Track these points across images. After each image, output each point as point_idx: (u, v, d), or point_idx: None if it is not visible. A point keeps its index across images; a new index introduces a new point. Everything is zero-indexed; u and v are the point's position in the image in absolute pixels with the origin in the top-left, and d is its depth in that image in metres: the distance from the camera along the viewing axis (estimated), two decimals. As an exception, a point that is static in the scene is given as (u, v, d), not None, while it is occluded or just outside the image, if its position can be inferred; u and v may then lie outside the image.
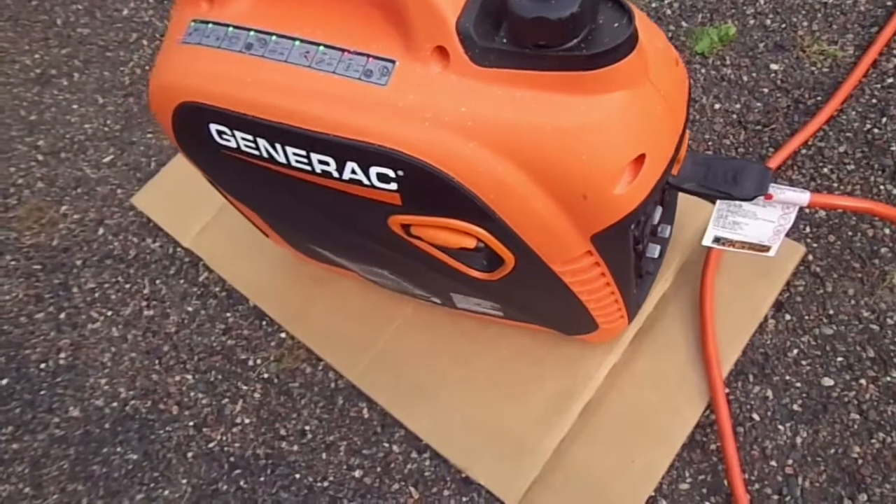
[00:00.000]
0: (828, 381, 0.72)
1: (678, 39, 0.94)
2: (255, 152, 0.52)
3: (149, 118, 1.07)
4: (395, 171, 0.48)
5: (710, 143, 0.87)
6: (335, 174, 0.50)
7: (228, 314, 0.89)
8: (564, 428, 0.72)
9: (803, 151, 0.83)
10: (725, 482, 0.69)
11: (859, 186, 0.80)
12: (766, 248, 0.65)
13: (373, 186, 0.50)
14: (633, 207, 0.49)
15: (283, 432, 0.80)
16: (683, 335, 0.74)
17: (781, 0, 0.94)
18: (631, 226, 0.52)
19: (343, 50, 0.48)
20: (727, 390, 0.72)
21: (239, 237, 0.90)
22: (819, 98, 0.86)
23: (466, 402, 0.76)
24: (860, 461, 0.68)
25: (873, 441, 0.68)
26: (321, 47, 0.48)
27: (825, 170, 0.82)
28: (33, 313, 0.95)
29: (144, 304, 0.92)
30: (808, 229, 0.79)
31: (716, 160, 0.58)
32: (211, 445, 0.81)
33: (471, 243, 0.53)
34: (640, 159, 0.47)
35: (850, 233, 0.78)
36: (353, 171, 0.49)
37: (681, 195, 0.75)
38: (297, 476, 0.78)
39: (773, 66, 0.90)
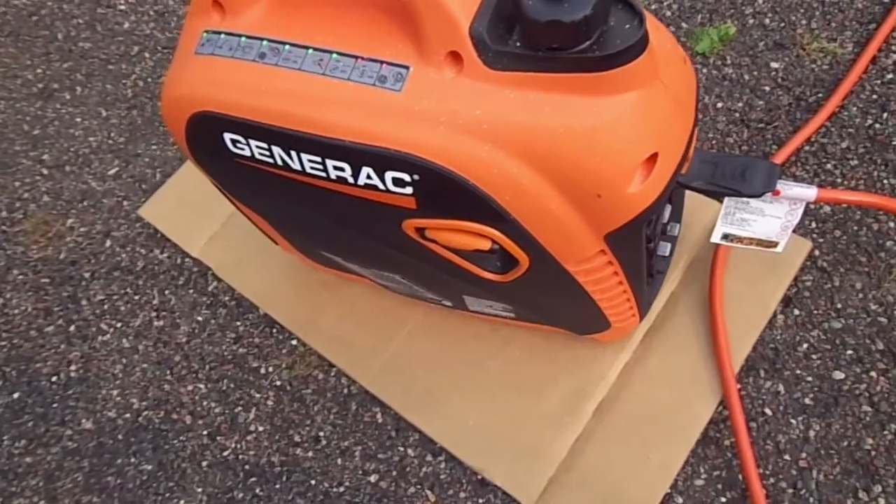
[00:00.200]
0: (838, 375, 0.72)
1: (679, 40, 0.95)
2: (270, 160, 0.53)
3: (153, 130, 1.08)
4: (410, 175, 0.48)
5: (713, 142, 0.87)
6: (350, 180, 0.51)
7: (238, 323, 0.89)
8: (578, 427, 0.73)
9: (806, 148, 0.84)
10: (740, 477, 0.69)
11: (863, 181, 0.81)
12: (774, 244, 0.65)
13: (388, 191, 0.50)
14: (647, 205, 0.49)
15: (297, 439, 0.81)
16: (694, 332, 0.75)
17: (779, -1, 0.95)
18: (644, 224, 0.52)
19: (356, 57, 0.48)
20: (739, 386, 0.72)
21: (247, 246, 0.90)
22: (820, 95, 0.87)
23: (480, 404, 0.76)
24: (873, 453, 0.68)
25: (885, 433, 0.69)
26: (334, 55, 0.49)
27: (828, 166, 0.83)
28: (43, 327, 0.95)
29: (154, 314, 0.92)
30: (813, 225, 0.80)
31: (723, 158, 0.59)
32: (225, 454, 0.82)
33: (485, 245, 0.53)
34: (653, 158, 0.48)
35: (855, 227, 0.79)
36: (369, 177, 0.50)
37: (687, 194, 0.76)
38: (313, 482, 0.78)
39: (774, 65, 0.91)
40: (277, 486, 0.79)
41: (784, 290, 0.76)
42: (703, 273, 0.77)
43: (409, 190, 0.50)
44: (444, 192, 0.49)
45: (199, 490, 0.80)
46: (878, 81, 0.87)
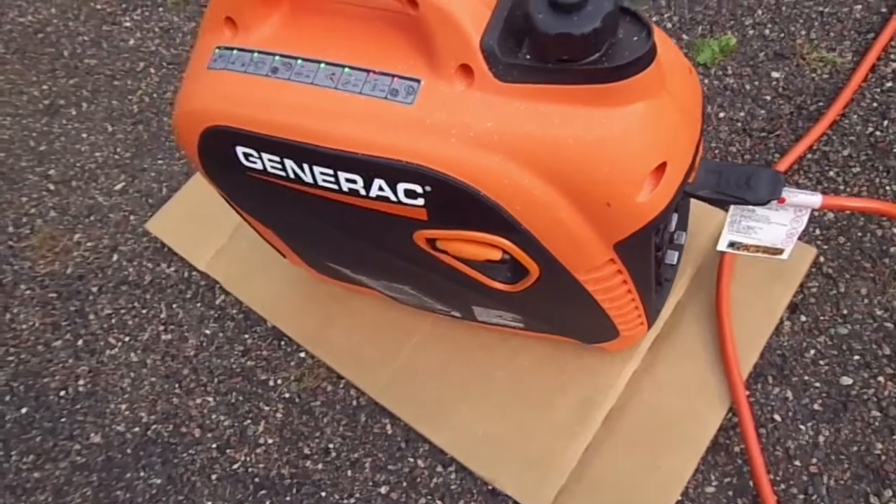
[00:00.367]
0: (846, 380, 0.73)
1: (679, 51, 0.96)
2: (282, 173, 0.53)
3: (159, 145, 1.08)
4: (422, 186, 0.49)
5: (716, 151, 0.88)
6: (362, 192, 0.51)
7: (247, 336, 0.89)
8: (588, 436, 0.73)
9: (808, 156, 0.85)
10: (751, 483, 0.69)
11: (865, 188, 0.82)
12: (780, 251, 0.66)
13: (400, 203, 0.51)
14: (656, 214, 0.50)
15: (306, 451, 0.81)
16: (701, 340, 0.75)
17: (779, 10, 0.96)
18: (653, 233, 0.53)
19: (368, 71, 0.49)
20: (747, 392, 0.73)
21: (254, 259, 0.91)
22: (821, 103, 0.88)
23: (489, 415, 0.76)
24: (883, 458, 0.69)
25: (895, 437, 0.69)
26: (346, 69, 0.50)
27: (831, 173, 0.84)
28: (50, 341, 0.95)
29: (162, 328, 0.93)
30: (817, 231, 0.81)
31: (728, 167, 0.59)
32: (235, 467, 0.82)
33: (496, 255, 0.54)
34: (662, 167, 0.48)
35: (859, 234, 0.80)
36: (381, 189, 0.50)
37: (691, 203, 0.77)
38: (323, 494, 0.78)
39: (775, 74, 0.92)
40: (287, 498, 0.79)
41: (790, 296, 0.77)
42: (708, 282, 0.78)
43: (420, 201, 0.50)
44: (456, 203, 0.49)
45: (209, 503, 0.80)
46: (878, 90, 0.88)
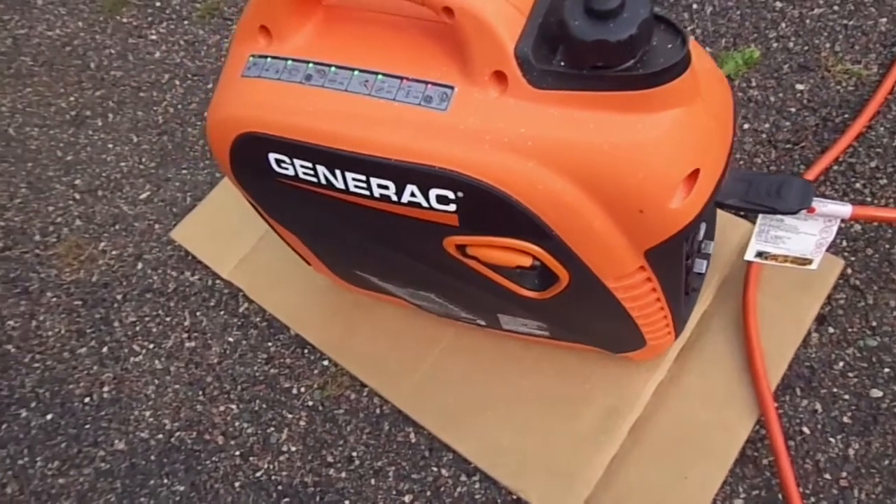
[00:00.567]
0: (876, 393, 0.72)
1: (702, 62, 0.96)
2: (314, 179, 0.54)
3: (183, 155, 1.10)
4: (454, 192, 0.49)
5: (742, 163, 0.88)
6: (394, 198, 0.52)
7: (270, 343, 0.90)
8: (614, 447, 0.72)
9: (835, 168, 0.85)
10: (780, 496, 0.68)
11: (893, 200, 0.81)
12: (809, 262, 0.66)
13: (431, 208, 0.51)
14: (688, 221, 0.50)
15: (330, 459, 0.81)
16: (729, 350, 0.75)
17: (803, 23, 0.96)
18: (684, 240, 0.53)
19: (402, 78, 0.50)
20: (776, 404, 0.72)
21: (278, 267, 0.91)
22: (846, 115, 0.88)
23: (514, 424, 0.76)
24: (915, 472, 0.68)
25: (927, 452, 0.68)
26: (380, 76, 0.50)
27: (857, 185, 0.83)
28: (76, 348, 0.96)
29: (186, 336, 0.93)
30: (844, 243, 0.80)
31: (757, 176, 0.59)
32: (258, 474, 0.82)
33: (526, 262, 0.54)
34: (695, 174, 0.48)
35: (887, 245, 0.79)
36: (413, 194, 0.51)
37: (717, 212, 0.76)
38: (347, 503, 0.78)
39: (799, 87, 0.92)
40: (310, 506, 0.79)
41: (818, 308, 0.76)
42: (735, 291, 0.77)
43: (452, 207, 0.50)
44: (488, 208, 0.50)
45: (232, 511, 0.81)
46: (905, 101, 0.87)
